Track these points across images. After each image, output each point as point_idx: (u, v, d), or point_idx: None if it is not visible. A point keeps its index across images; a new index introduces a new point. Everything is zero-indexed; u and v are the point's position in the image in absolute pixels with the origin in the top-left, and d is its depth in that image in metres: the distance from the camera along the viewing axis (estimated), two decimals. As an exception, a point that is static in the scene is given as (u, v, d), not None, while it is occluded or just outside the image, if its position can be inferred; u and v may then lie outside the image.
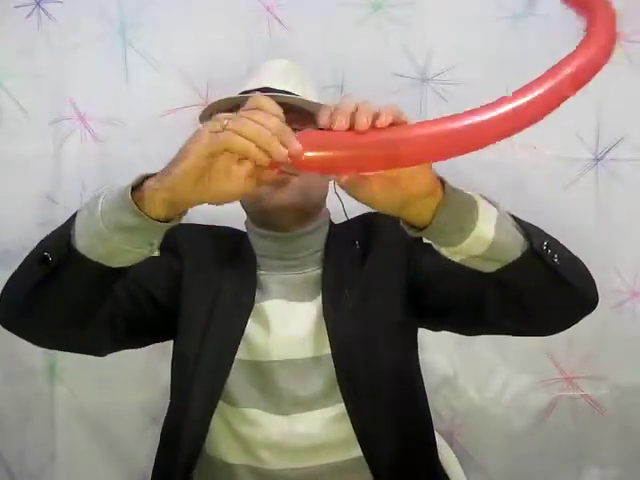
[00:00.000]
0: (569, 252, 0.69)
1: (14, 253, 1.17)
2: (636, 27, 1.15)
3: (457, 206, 0.59)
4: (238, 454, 0.83)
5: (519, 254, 0.62)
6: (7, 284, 0.69)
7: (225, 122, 0.53)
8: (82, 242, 0.60)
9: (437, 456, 0.91)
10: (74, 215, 0.62)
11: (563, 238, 0.69)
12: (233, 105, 0.86)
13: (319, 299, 0.85)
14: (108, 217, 0.58)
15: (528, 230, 0.64)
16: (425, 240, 0.64)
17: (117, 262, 0.62)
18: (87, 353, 0.80)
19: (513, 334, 0.78)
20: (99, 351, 0.81)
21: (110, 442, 1.20)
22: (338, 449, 0.82)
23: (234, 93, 0.89)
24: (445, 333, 1.16)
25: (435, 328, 0.92)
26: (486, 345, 1.19)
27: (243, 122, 0.52)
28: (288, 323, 0.85)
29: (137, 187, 0.58)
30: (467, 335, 0.89)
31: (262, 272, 0.89)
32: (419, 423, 0.88)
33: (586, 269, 0.71)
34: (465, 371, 1.19)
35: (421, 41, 1.17)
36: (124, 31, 1.18)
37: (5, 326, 0.70)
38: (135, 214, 0.56)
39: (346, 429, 0.81)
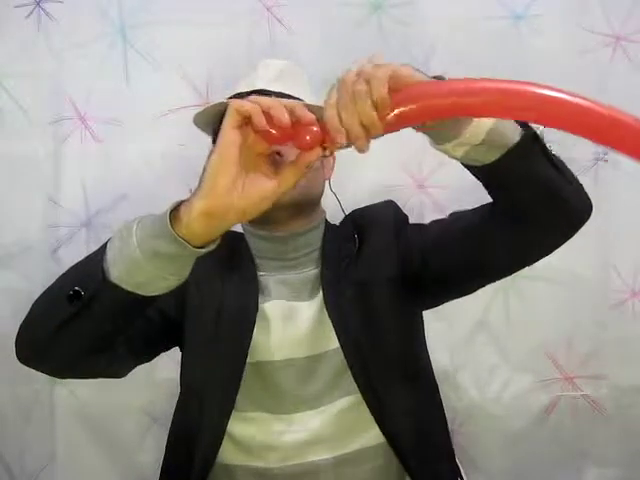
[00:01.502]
0: None
1: (15, 253, 1.17)
2: (636, 27, 1.16)
3: None
4: (237, 455, 0.83)
5: (518, 138, 0.64)
6: (29, 321, 0.69)
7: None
8: (116, 272, 0.60)
9: (450, 437, 0.93)
10: (103, 247, 0.62)
11: (563, 237, 0.69)
12: None
13: (318, 297, 0.85)
14: (144, 245, 0.58)
15: (523, 123, 0.66)
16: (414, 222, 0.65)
17: (151, 290, 0.62)
18: (107, 377, 0.81)
19: (511, 265, 0.80)
20: (119, 373, 0.82)
21: (110, 442, 1.20)
22: (339, 443, 0.82)
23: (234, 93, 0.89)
24: (445, 333, 1.16)
25: (442, 299, 0.92)
26: (486, 345, 1.19)
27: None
28: (289, 323, 0.85)
29: (172, 214, 0.58)
30: (471, 292, 0.88)
31: (261, 273, 0.89)
32: (432, 402, 0.90)
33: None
34: (465, 371, 1.19)
35: (421, 41, 1.17)
36: (124, 31, 1.18)
37: (24, 362, 0.70)
38: (173, 241, 0.57)
39: (349, 423, 0.82)
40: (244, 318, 0.84)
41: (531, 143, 0.65)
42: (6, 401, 1.20)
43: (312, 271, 0.88)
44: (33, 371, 1.17)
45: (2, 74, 1.18)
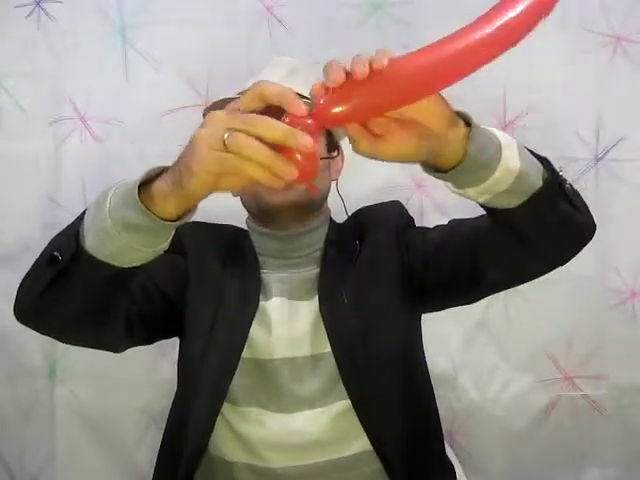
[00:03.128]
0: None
1: (15, 253, 1.17)
2: (636, 27, 1.15)
3: (483, 138, 0.57)
4: (238, 452, 0.83)
5: (541, 183, 0.61)
6: (22, 282, 0.69)
7: (226, 136, 0.49)
8: (90, 241, 0.59)
9: (444, 443, 0.92)
10: (83, 213, 0.61)
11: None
12: None
13: (316, 298, 0.85)
14: (115, 214, 0.56)
15: (541, 157, 0.63)
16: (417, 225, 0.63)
17: (125, 261, 0.60)
18: (106, 349, 0.80)
19: (510, 281, 0.80)
20: (117, 347, 0.81)
21: (110, 442, 1.20)
22: (338, 446, 0.82)
23: (234, 93, 0.89)
24: (444, 333, 1.16)
25: (440, 306, 0.92)
26: (486, 345, 1.19)
27: (243, 140, 0.48)
28: (289, 322, 0.85)
29: (145, 183, 0.56)
30: (473, 301, 0.88)
31: (263, 271, 0.89)
32: (426, 410, 0.89)
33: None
34: (465, 371, 1.19)
35: (421, 41, 1.16)
36: (124, 31, 1.18)
37: (23, 322, 0.70)
38: (142, 212, 0.55)
39: (347, 426, 0.82)
40: (243, 312, 0.85)
41: (554, 185, 0.63)
42: (6, 401, 1.20)
43: (313, 271, 0.89)
44: (33, 371, 1.19)
45: (2, 74, 1.18)
